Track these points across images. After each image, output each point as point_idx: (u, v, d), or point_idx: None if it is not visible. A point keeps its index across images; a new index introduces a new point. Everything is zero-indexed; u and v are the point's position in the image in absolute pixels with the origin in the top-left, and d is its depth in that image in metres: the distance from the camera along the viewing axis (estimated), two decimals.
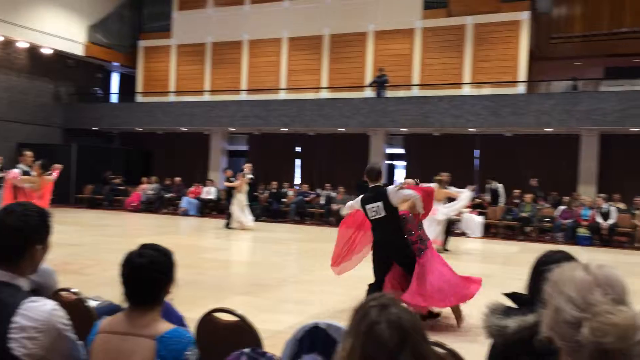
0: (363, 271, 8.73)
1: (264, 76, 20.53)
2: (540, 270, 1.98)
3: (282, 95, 19.95)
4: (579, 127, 15.54)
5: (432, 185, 6.46)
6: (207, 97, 21.15)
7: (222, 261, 9.41)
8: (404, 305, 1.36)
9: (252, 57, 20.85)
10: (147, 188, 18.64)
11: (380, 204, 5.43)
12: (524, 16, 17.04)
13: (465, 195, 10.90)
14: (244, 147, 21.34)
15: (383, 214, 5.43)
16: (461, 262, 10.97)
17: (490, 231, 14.82)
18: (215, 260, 9.22)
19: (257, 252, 10.36)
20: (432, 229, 10.30)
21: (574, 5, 18.03)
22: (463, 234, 14.49)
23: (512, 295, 2.14)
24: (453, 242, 13.39)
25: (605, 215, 13.35)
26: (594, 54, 17.92)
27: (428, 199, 5.66)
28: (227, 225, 13.90)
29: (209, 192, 18.17)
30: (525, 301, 2.07)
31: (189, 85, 21.68)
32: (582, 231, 13.31)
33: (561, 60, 18.40)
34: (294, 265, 9.55)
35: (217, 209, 18.09)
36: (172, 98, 21.84)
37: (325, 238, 13.03)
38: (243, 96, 20.57)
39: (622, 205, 14.04)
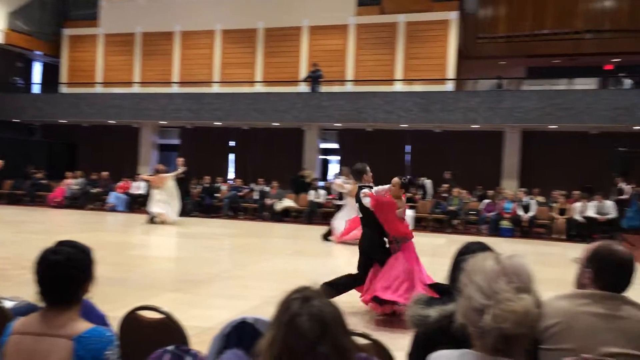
0: (296, 265, 8.78)
1: (197, 69, 20.14)
2: (458, 260, 2.07)
3: (216, 89, 19.65)
4: (503, 124, 16.27)
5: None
6: (136, 89, 20.50)
7: (151, 258, 9.18)
8: (329, 298, 1.38)
9: (184, 49, 20.39)
10: (71, 183, 17.84)
11: (358, 204, 5.58)
12: (453, 16, 17.61)
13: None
14: (175, 141, 20.86)
15: (361, 214, 5.58)
16: None
17: (420, 224, 15.25)
18: (144, 257, 8.99)
19: (188, 248, 10.17)
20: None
21: (499, 6, 18.82)
22: None
23: (434, 286, 2.22)
24: None
25: (526, 208, 14.05)
26: (517, 54, 18.80)
27: (380, 207, 5.50)
28: (152, 220, 13.62)
29: (139, 187, 17.62)
30: (446, 291, 2.15)
31: (117, 77, 20.93)
32: (505, 223, 13.94)
33: (487, 60, 19.18)
34: (226, 261, 9.45)
35: (147, 204, 17.58)
36: (99, 89, 21.02)
37: (258, 233, 13.01)
38: (175, 89, 20.09)
39: (541, 199, 14.82)
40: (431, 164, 17.93)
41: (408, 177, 5.81)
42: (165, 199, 13.64)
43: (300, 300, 1.32)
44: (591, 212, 13.58)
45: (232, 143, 20.19)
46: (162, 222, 13.38)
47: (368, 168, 6.14)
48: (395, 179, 5.61)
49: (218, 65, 20.05)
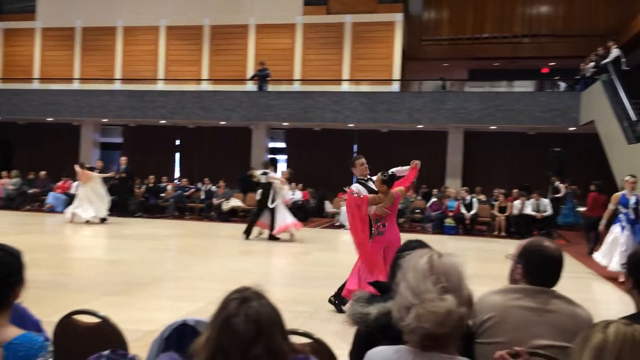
0: (242, 265, 8.70)
1: (141, 65, 19.64)
2: (397, 258, 2.11)
3: (160, 86, 19.22)
4: (447, 125, 16.69)
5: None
6: (76, 86, 19.78)
7: (91, 260, 8.89)
8: (268, 299, 1.37)
9: (127, 45, 19.84)
10: (7, 183, 17.05)
11: None
12: (398, 18, 17.91)
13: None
14: (118, 140, 20.28)
15: None
16: (339, 253, 11.33)
17: None
18: (84, 259, 8.70)
19: (131, 250, 9.90)
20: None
21: (442, 10, 19.28)
22: (342, 226, 14.95)
23: (375, 284, 2.25)
24: (334, 234, 13.81)
25: (468, 207, 14.47)
26: (459, 57, 19.33)
27: (355, 208, 5.52)
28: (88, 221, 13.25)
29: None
30: (387, 288, 2.19)
31: (56, 72, 20.13)
32: (449, 221, 14.31)
33: (431, 61, 19.62)
34: (171, 262, 9.27)
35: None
36: (36, 85, 20.15)
37: (205, 233, 12.83)
38: (117, 85, 19.51)
39: (482, 197, 15.30)
40: (378, 163, 18.11)
41: (389, 172, 5.68)
42: (88, 198, 13.21)
43: (238, 300, 1.31)
44: (529, 210, 14.14)
45: (177, 142, 19.82)
46: (87, 222, 12.97)
47: (359, 160, 6.11)
48: (378, 175, 5.57)
49: (163, 62, 19.62)
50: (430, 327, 1.42)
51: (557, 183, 14.27)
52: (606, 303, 6.98)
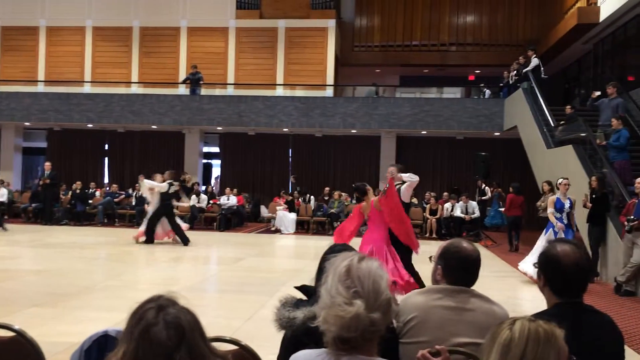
0: (173, 272, 8.52)
1: (66, 67, 18.86)
2: (321, 261, 2.15)
3: (87, 89, 18.52)
4: (379, 129, 17.03)
5: None
6: None
7: (15, 271, 8.42)
8: (183, 305, 1.35)
9: (50, 45, 19.01)
10: None
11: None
12: (331, 24, 18.13)
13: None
14: (42, 144, 19.36)
15: None
16: (275, 258, 11.32)
17: (303, 227, 15.50)
18: (6, 270, 8.23)
19: (57, 259, 9.45)
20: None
21: (373, 17, 19.69)
22: (278, 231, 14.94)
23: (301, 288, 2.27)
24: (270, 239, 13.77)
25: None
26: (390, 63, 19.80)
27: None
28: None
29: (0, 195, 16.11)
30: (314, 292, 2.22)
31: None
32: None
33: (363, 67, 19.98)
34: (99, 271, 8.94)
35: (10, 212, 16.15)
36: None
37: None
38: (40, 88, 18.64)
39: (414, 200, 15.68)
40: (313, 167, 18.34)
41: (357, 184, 6.86)
42: None
43: (154, 309, 1.27)
44: (458, 212, 14.66)
45: (106, 146, 19.15)
46: None
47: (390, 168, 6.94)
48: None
49: (89, 64, 18.91)
50: (336, 330, 1.44)
51: (483, 186, 14.88)
52: (528, 300, 7.34)
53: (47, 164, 15.37)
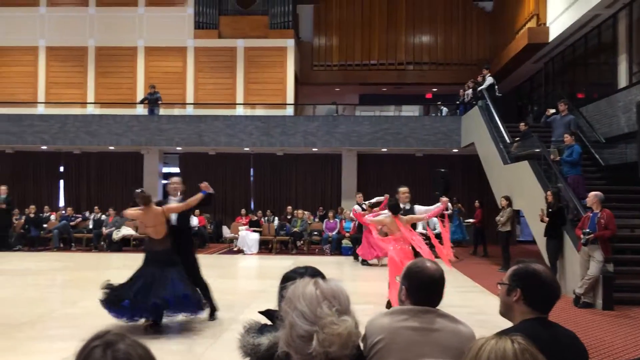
0: None
1: (18, 87, 18.34)
2: (281, 287, 2.10)
3: (41, 110, 18.03)
4: (340, 147, 17.15)
5: None
6: None
7: None
8: (132, 339, 1.25)
9: (1, 65, 18.46)
10: None
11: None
12: (290, 43, 18.25)
13: None
14: None
15: None
16: (238, 279, 11.17)
17: (266, 247, 15.36)
18: None
19: (9, 287, 9.07)
20: None
21: (332, 37, 19.94)
22: (241, 251, 14.76)
23: (265, 313, 2.23)
24: (232, 259, 13.58)
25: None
26: (350, 82, 20.04)
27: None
28: None
29: None
30: (278, 317, 2.18)
31: None
32: (345, 242, 14.61)
33: (323, 86, 20.16)
34: (55, 298, 8.62)
35: None
36: None
37: (94, 265, 12.10)
38: None
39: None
40: (275, 186, 18.27)
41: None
42: None
43: (101, 347, 1.16)
44: (420, 228, 14.79)
45: (61, 168, 18.62)
46: None
47: (401, 189, 7.98)
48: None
49: (43, 85, 18.44)
50: (334, 350, 1.43)
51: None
52: (493, 314, 7.43)
53: (3, 188, 14.85)
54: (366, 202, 12.98)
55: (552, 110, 11.56)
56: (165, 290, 5.81)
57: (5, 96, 18.17)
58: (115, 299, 5.86)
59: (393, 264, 6.76)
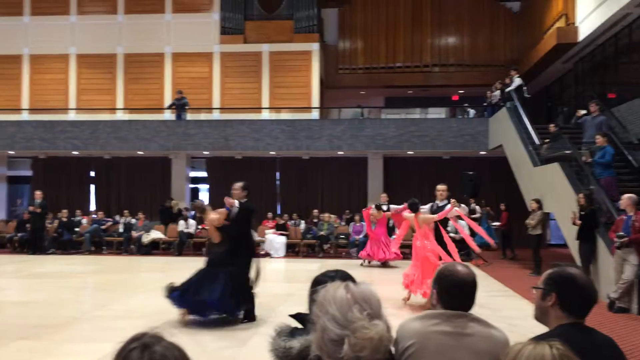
0: (164, 301, 8.38)
1: (50, 95, 18.80)
2: (312, 291, 2.10)
3: (72, 116, 18.44)
4: (366, 151, 17.10)
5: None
6: None
7: (0, 302, 8.25)
8: (169, 341, 1.28)
9: (34, 73, 18.96)
10: None
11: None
12: (315, 47, 18.31)
13: None
14: (27, 173, 19.16)
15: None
16: (266, 282, 11.20)
17: (293, 250, 15.40)
18: None
19: (43, 290, 9.28)
20: None
21: (356, 40, 19.92)
22: (267, 255, 14.83)
23: (296, 316, 2.23)
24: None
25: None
26: (375, 85, 19.98)
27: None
28: None
29: None
30: (309, 320, 2.18)
31: None
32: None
33: (348, 89, 20.15)
34: (87, 301, 8.79)
35: None
36: None
37: (124, 268, 12.29)
38: (24, 116, 18.53)
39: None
40: (301, 190, 18.32)
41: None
42: None
43: (139, 349, 1.20)
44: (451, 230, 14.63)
45: (92, 173, 19.01)
46: None
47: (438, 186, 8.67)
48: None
49: (74, 91, 18.87)
50: (366, 355, 1.42)
51: (472, 205, 14.93)
52: (523, 319, 7.31)
53: (38, 193, 15.23)
54: (385, 206, 13.08)
55: (583, 111, 11.34)
56: (211, 288, 6.36)
57: (39, 103, 18.65)
58: (170, 290, 6.61)
59: (417, 259, 7.70)
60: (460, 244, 14.58)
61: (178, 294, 6.49)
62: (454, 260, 7.52)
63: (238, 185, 6.95)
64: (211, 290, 6.34)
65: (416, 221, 7.77)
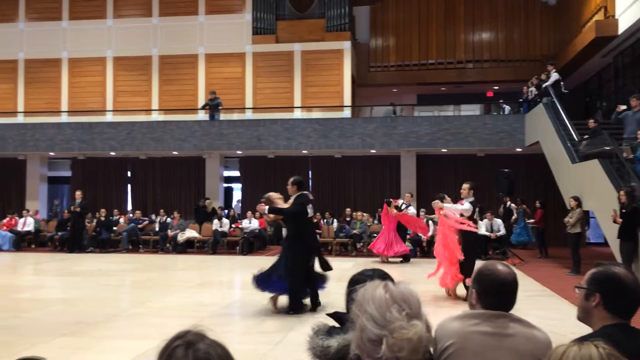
0: (200, 298, 8.50)
1: (88, 97, 19.29)
2: (350, 290, 2.09)
3: (109, 118, 18.87)
4: (399, 149, 16.98)
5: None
6: (20, 119, 19.18)
7: (42, 300, 8.50)
8: (211, 339, 1.30)
9: (72, 76, 19.46)
10: None
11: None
12: (346, 46, 18.28)
13: None
14: (66, 173, 19.70)
15: None
16: None
17: (325, 249, 15.39)
18: (33, 299, 8.32)
19: (83, 287, 9.53)
20: None
21: (388, 38, 19.80)
22: None
23: (333, 315, 2.23)
24: None
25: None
26: (407, 82, 19.82)
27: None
28: None
29: (27, 224, 16.39)
30: (347, 319, 2.17)
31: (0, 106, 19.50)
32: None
33: (380, 87, 20.04)
34: (126, 298, 8.99)
35: (37, 241, 16.44)
36: None
37: (161, 266, 12.51)
38: (64, 118, 19.04)
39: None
40: (333, 188, 18.31)
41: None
42: None
43: (183, 346, 1.21)
44: (483, 230, 14.42)
45: (128, 173, 19.41)
46: None
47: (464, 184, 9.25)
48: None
49: (111, 93, 19.31)
50: (405, 355, 1.41)
51: (508, 203, 14.67)
52: (562, 319, 7.15)
53: (78, 193, 15.65)
54: (404, 205, 13.11)
55: (623, 106, 11.00)
56: (275, 269, 7.29)
57: (78, 105, 19.15)
58: (257, 278, 7.36)
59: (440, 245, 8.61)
60: (496, 242, 14.38)
61: (255, 279, 7.28)
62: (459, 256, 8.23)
63: (289, 181, 7.83)
64: (275, 270, 7.26)
65: (437, 211, 8.68)
